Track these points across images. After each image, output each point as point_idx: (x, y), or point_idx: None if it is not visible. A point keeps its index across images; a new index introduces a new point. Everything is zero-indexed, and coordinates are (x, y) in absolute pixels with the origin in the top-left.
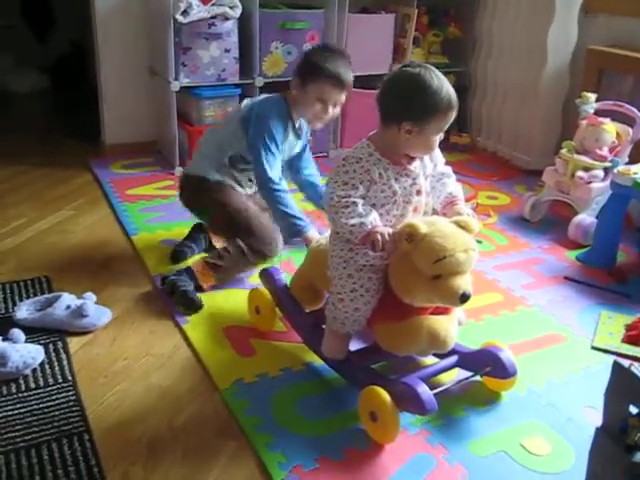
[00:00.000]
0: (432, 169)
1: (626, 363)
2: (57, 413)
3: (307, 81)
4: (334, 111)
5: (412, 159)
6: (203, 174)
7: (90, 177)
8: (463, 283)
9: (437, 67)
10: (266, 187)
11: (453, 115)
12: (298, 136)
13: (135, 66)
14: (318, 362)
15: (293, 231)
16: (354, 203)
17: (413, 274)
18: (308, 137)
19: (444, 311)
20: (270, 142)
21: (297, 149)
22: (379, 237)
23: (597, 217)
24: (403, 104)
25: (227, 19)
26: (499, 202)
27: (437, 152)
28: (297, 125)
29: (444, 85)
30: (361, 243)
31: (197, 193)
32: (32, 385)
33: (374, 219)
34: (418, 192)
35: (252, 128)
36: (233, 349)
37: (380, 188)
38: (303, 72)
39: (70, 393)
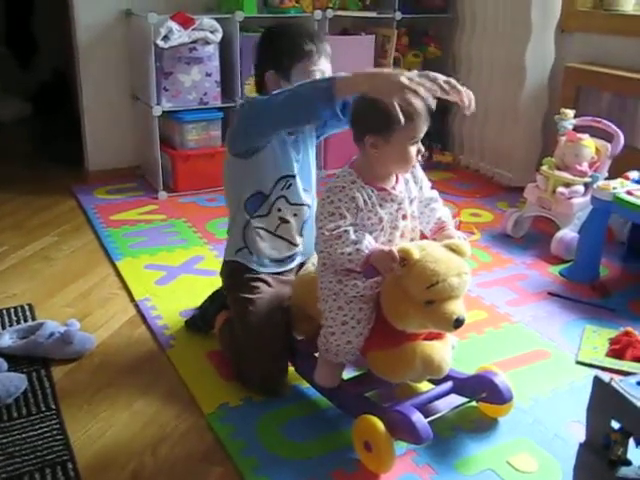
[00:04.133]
0: (417, 192)
1: (606, 378)
2: (40, 442)
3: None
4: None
5: (396, 182)
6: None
7: (74, 203)
8: (457, 308)
9: None
10: (268, 104)
11: (419, 122)
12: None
13: (117, 92)
14: (303, 384)
15: (327, 94)
16: (346, 232)
17: (405, 300)
18: None
19: (437, 336)
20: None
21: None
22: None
23: (579, 232)
24: (361, 119)
25: (208, 43)
26: (482, 219)
27: (421, 175)
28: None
29: None
30: (363, 269)
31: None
32: (15, 414)
33: (369, 242)
34: (404, 217)
35: None
36: (217, 373)
37: (366, 215)
38: (277, 62)
39: (54, 422)
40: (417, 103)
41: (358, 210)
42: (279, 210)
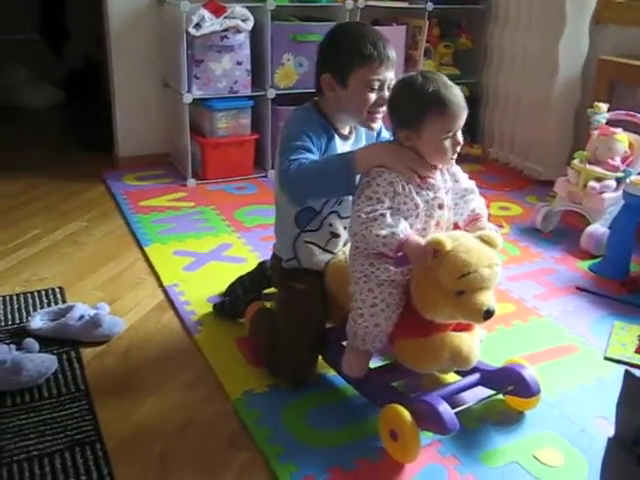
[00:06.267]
0: (452, 183)
1: (637, 373)
2: (70, 422)
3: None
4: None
5: (434, 172)
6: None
7: (103, 189)
8: (487, 299)
9: (449, 78)
10: (283, 178)
11: (453, 114)
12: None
13: (148, 79)
14: (329, 372)
15: (345, 174)
16: (382, 215)
17: (436, 290)
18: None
19: (466, 327)
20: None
21: None
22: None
23: (609, 227)
24: (394, 112)
25: (239, 32)
26: (511, 213)
27: (456, 167)
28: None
29: (432, 84)
30: (395, 255)
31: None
32: (45, 394)
33: (405, 228)
34: (440, 206)
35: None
36: (244, 359)
37: (403, 200)
38: (335, 65)
39: (83, 402)
40: (442, 93)
41: (395, 194)
42: (330, 225)
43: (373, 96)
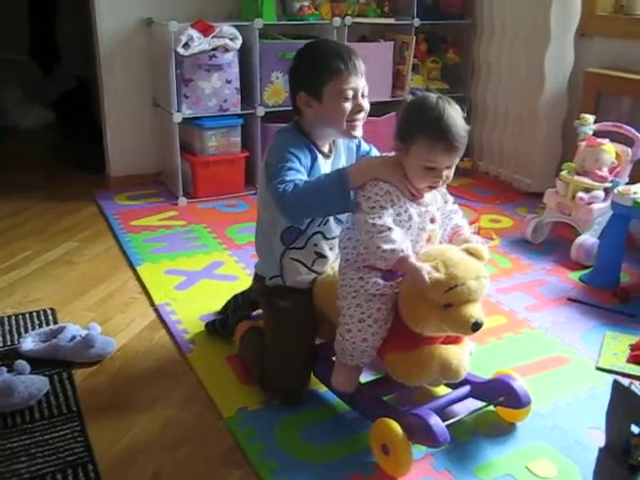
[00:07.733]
0: (442, 203)
1: (626, 382)
2: (62, 444)
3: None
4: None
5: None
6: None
7: (95, 209)
8: (475, 311)
9: (438, 92)
10: (280, 200)
11: (443, 147)
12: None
13: (138, 99)
14: (322, 388)
15: (342, 191)
16: (389, 229)
17: (423, 303)
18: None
19: (455, 340)
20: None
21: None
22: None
23: (599, 237)
24: (408, 124)
25: (228, 51)
26: (501, 225)
27: (444, 191)
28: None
29: (436, 110)
30: (394, 269)
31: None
32: (37, 416)
33: (407, 248)
34: (432, 220)
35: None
36: (236, 377)
37: (397, 211)
38: (308, 83)
39: (75, 424)
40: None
41: (392, 204)
42: (315, 245)
43: (349, 105)
